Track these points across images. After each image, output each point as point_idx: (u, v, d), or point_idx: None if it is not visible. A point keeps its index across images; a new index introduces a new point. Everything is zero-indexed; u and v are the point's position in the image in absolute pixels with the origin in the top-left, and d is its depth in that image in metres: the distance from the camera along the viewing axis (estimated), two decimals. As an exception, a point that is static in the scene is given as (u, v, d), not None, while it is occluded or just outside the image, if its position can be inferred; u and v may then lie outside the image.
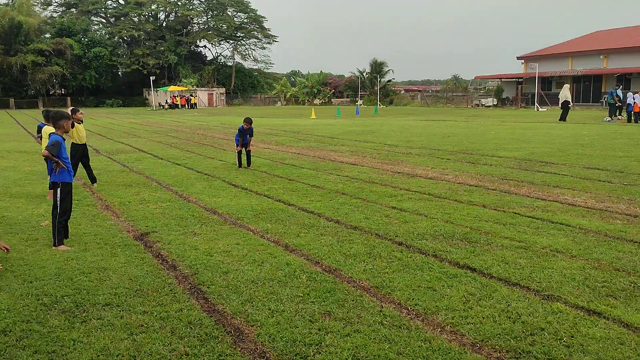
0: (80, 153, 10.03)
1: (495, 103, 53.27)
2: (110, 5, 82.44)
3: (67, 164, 6.23)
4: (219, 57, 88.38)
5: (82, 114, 10.60)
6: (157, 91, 67.64)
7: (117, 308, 4.31)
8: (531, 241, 6.02)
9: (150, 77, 63.68)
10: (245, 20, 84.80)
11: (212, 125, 28.82)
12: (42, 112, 9.38)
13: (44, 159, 9.22)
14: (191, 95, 67.83)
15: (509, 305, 4.26)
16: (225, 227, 6.96)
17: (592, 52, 48.72)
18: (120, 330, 3.91)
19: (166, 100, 66.91)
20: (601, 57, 47.75)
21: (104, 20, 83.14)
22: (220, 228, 6.89)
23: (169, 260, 5.58)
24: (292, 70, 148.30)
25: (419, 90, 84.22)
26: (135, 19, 79.95)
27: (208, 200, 8.72)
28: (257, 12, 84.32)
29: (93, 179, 10.29)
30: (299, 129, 25.31)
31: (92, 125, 28.76)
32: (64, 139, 6.28)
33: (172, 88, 68.81)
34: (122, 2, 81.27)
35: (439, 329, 3.89)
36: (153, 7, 79.83)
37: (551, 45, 56.30)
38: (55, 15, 78.55)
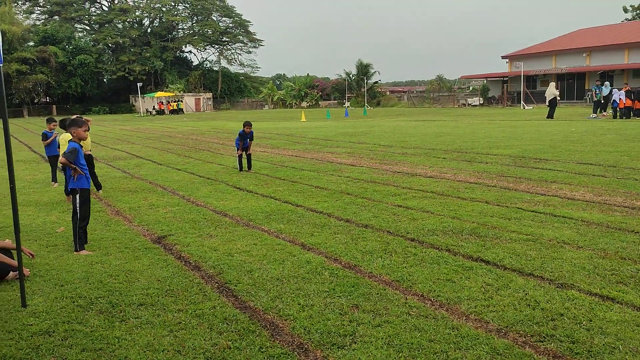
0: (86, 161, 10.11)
1: (481, 102, 53.90)
2: (94, 12, 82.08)
3: (84, 170, 6.37)
4: (205, 62, 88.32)
5: (89, 122, 10.69)
6: (143, 97, 67.44)
7: (152, 307, 4.48)
8: (538, 234, 6.28)
9: (137, 84, 63.49)
10: (231, 24, 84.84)
11: (204, 130, 28.90)
12: (59, 121, 9.47)
13: (61, 166, 9.33)
14: (179, 101, 67.74)
15: (526, 294, 4.49)
16: (239, 228, 7.14)
17: (575, 50, 49.55)
18: (160, 328, 4.07)
19: (153, 107, 66.71)
20: (584, 54, 48.58)
21: (88, 27, 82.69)
22: (235, 230, 7.06)
23: (191, 261, 5.75)
24: (277, 74, 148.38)
25: (404, 91, 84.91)
26: (120, 26, 79.63)
27: (216, 203, 8.88)
28: (242, 17, 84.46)
29: (98, 186, 10.39)
30: (291, 131, 25.52)
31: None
32: (81, 146, 6.43)
33: (159, 94, 68.64)
34: (106, 9, 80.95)
35: (464, 317, 4.11)
36: (137, 13, 79.61)
37: (535, 44, 57.13)
38: (38, 23, 77.96)
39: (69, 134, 6.95)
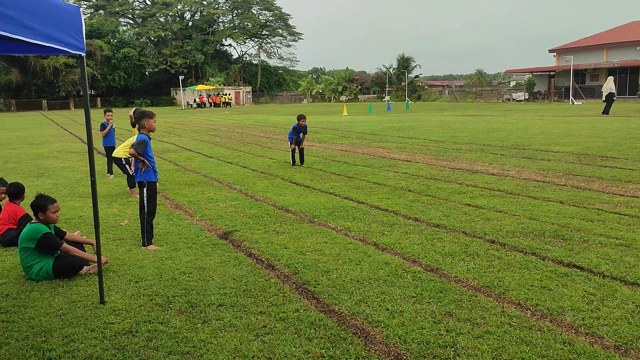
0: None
1: (526, 97, 52.45)
2: (137, 6, 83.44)
3: (152, 163, 6.23)
4: (245, 56, 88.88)
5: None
6: (184, 90, 68.25)
7: (232, 309, 4.28)
8: (630, 238, 5.84)
9: (180, 77, 64.26)
10: (270, 18, 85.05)
11: (248, 124, 28.90)
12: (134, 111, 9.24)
13: (124, 160, 9.32)
14: (224, 94, 68.27)
15: (638, 307, 4.11)
16: (305, 225, 6.91)
17: (628, 43, 47.59)
18: (245, 332, 3.87)
19: (194, 100, 67.43)
20: (638, 48, 46.61)
21: (131, 21, 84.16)
22: (300, 226, 6.84)
23: (263, 259, 5.55)
24: (314, 68, 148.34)
25: (442, 86, 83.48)
26: (162, 19, 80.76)
27: (276, 198, 8.68)
28: (282, 10, 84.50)
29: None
30: (335, 125, 25.24)
31: (128, 125, 29.07)
32: (150, 138, 6.29)
33: (200, 87, 69.33)
34: (149, 3, 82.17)
35: (574, 331, 3.77)
36: (179, 7, 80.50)
37: (584, 37, 55.19)
38: (84, 17, 79.56)
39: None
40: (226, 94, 67.92)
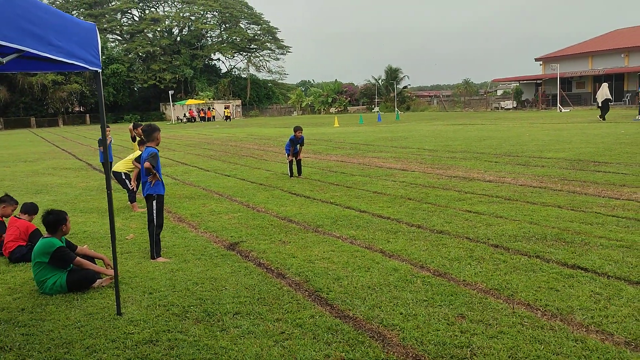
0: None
1: (514, 105, 53.03)
2: (126, 22, 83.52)
3: (160, 175, 6.31)
4: (233, 70, 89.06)
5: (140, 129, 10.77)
6: (174, 105, 68.24)
7: (249, 316, 4.35)
8: (629, 240, 5.99)
9: (169, 92, 64.31)
10: (259, 31, 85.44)
11: (240, 137, 28.99)
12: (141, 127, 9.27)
13: (123, 174, 9.38)
14: (208, 109, 68.45)
15: (643, 304, 4.24)
16: (310, 234, 7.00)
17: (612, 51, 48.38)
18: (264, 338, 3.94)
19: (184, 114, 67.46)
20: (622, 55, 47.40)
21: (119, 38, 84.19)
22: (305, 236, 6.93)
23: (272, 268, 5.63)
24: (302, 80, 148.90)
25: (430, 96, 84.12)
26: (150, 35, 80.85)
27: (277, 209, 8.77)
28: (270, 24, 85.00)
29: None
30: (328, 137, 25.40)
31: (121, 141, 29.04)
32: (158, 151, 6.38)
33: (189, 102, 69.37)
34: (137, 19, 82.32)
35: (584, 329, 3.88)
36: (167, 22, 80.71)
37: (570, 46, 56.00)
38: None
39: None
40: (226, 108, 68.10)
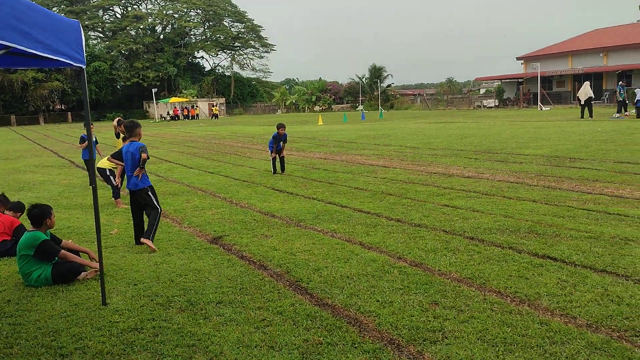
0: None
1: (496, 104, 53.67)
2: (108, 19, 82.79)
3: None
4: (217, 68, 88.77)
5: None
6: (157, 103, 67.89)
7: (231, 305, 4.50)
8: (598, 231, 6.24)
9: (152, 90, 63.95)
10: (243, 30, 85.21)
11: (224, 135, 29.03)
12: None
13: (108, 170, 9.49)
14: (192, 107, 68.23)
15: (606, 290, 4.47)
16: (292, 229, 7.16)
17: (591, 50, 49.22)
18: (246, 325, 4.10)
19: (168, 112, 67.16)
20: (601, 55, 48.25)
21: (101, 35, 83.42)
22: (287, 230, 7.09)
23: (255, 260, 5.78)
24: (286, 79, 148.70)
25: (414, 94, 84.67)
26: (133, 33, 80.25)
27: (260, 205, 8.91)
28: (254, 22, 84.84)
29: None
30: (312, 135, 25.56)
31: (104, 139, 28.92)
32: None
33: (173, 100, 69.06)
34: (119, 17, 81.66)
35: (550, 313, 4.10)
36: (150, 20, 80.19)
37: (550, 45, 56.82)
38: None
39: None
40: (214, 106, 67.95)
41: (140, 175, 6.42)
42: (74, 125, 58.37)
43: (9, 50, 3.27)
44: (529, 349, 3.55)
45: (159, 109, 68.31)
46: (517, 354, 3.49)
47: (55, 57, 3.61)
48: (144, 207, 6.62)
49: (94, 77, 70.84)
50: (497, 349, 3.57)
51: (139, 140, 6.59)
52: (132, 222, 6.81)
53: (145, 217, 6.74)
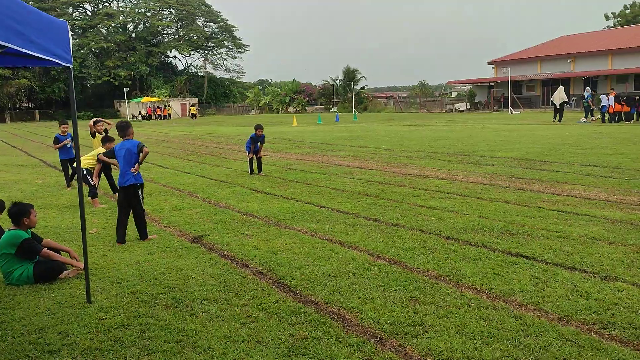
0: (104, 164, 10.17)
1: (468, 107, 54.57)
2: (78, 16, 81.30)
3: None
4: (190, 67, 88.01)
5: (101, 125, 10.82)
6: (129, 103, 66.99)
7: (216, 302, 4.59)
8: (567, 231, 6.51)
9: (124, 89, 63.09)
10: (216, 29, 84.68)
11: (198, 135, 28.89)
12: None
13: (85, 170, 9.44)
14: (165, 107, 67.57)
15: (576, 286, 4.70)
16: (272, 228, 7.26)
17: (559, 56, 50.46)
18: (232, 321, 4.19)
19: (140, 112, 66.35)
20: (568, 60, 49.52)
21: (71, 32, 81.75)
22: (267, 229, 7.19)
23: (237, 259, 5.86)
24: (260, 79, 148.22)
25: (387, 97, 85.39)
26: (104, 30, 79.01)
27: (239, 205, 8.98)
28: (228, 22, 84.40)
29: (115, 189, 10.41)
30: (287, 136, 25.64)
31: (87, 139, 28.46)
32: None
33: (145, 99, 68.25)
34: (90, 14, 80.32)
35: (523, 308, 4.30)
36: (122, 18, 79.08)
37: (520, 50, 58.05)
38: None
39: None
40: (193, 106, 67.35)
41: (135, 172, 6.78)
42: (42, 124, 57.17)
43: (4, 50, 3.29)
44: (505, 341, 3.73)
45: (130, 108, 67.39)
46: (494, 346, 3.67)
47: (46, 57, 3.66)
48: (132, 206, 6.77)
49: (63, 75, 69.40)
50: (475, 341, 3.75)
51: (132, 138, 6.87)
52: (117, 219, 6.84)
53: (131, 219, 6.86)
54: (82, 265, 5.36)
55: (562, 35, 59.02)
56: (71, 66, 4.22)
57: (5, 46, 3.06)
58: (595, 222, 6.96)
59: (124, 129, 6.94)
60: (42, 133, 35.34)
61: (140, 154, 6.82)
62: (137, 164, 6.81)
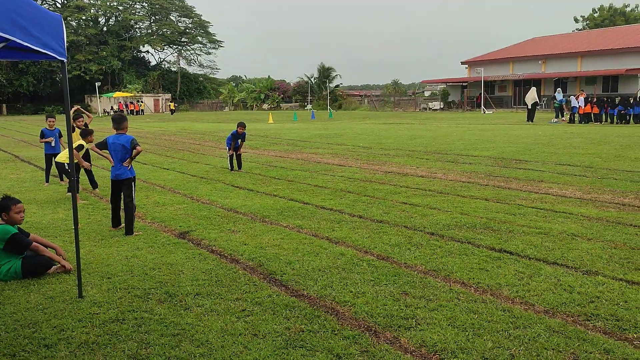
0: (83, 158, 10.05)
1: (442, 106, 55.24)
2: (47, 8, 79.29)
3: None
4: (163, 63, 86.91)
5: (81, 121, 10.70)
6: (100, 97, 65.87)
7: (209, 297, 4.62)
8: (547, 228, 6.72)
9: (95, 84, 62.01)
10: (190, 25, 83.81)
11: (174, 131, 28.61)
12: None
13: (66, 164, 9.39)
14: (137, 102, 66.65)
15: (559, 280, 4.88)
16: (257, 224, 7.30)
17: (531, 58, 51.47)
18: (227, 315, 4.24)
19: (111, 107, 65.30)
20: (540, 62, 50.55)
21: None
22: (254, 225, 7.23)
23: (226, 254, 5.89)
24: (233, 76, 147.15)
25: (361, 95, 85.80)
26: (74, 24, 77.36)
27: (222, 201, 8.98)
28: (202, 17, 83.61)
29: (95, 184, 10.31)
30: (264, 133, 25.59)
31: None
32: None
33: (117, 94, 67.19)
34: (59, 6, 78.60)
35: (510, 301, 4.45)
36: (93, 10, 77.62)
37: (493, 51, 59.01)
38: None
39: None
40: (171, 101, 66.48)
41: (129, 165, 6.83)
42: (10, 117, 55.81)
43: (6, 44, 3.27)
44: (495, 333, 3.87)
45: (102, 103, 66.29)
46: (485, 338, 3.80)
47: (43, 51, 3.64)
48: (124, 197, 6.90)
49: (32, 69, 67.93)
50: (466, 333, 3.87)
51: (126, 132, 6.85)
52: (111, 207, 7.25)
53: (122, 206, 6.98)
54: (69, 265, 5.32)
55: (533, 37, 60.20)
56: (65, 60, 4.19)
57: (10, 40, 3.04)
58: (572, 219, 7.19)
59: (120, 122, 6.99)
60: (12, 127, 34.55)
61: (134, 151, 6.85)
62: (129, 159, 6.85)
